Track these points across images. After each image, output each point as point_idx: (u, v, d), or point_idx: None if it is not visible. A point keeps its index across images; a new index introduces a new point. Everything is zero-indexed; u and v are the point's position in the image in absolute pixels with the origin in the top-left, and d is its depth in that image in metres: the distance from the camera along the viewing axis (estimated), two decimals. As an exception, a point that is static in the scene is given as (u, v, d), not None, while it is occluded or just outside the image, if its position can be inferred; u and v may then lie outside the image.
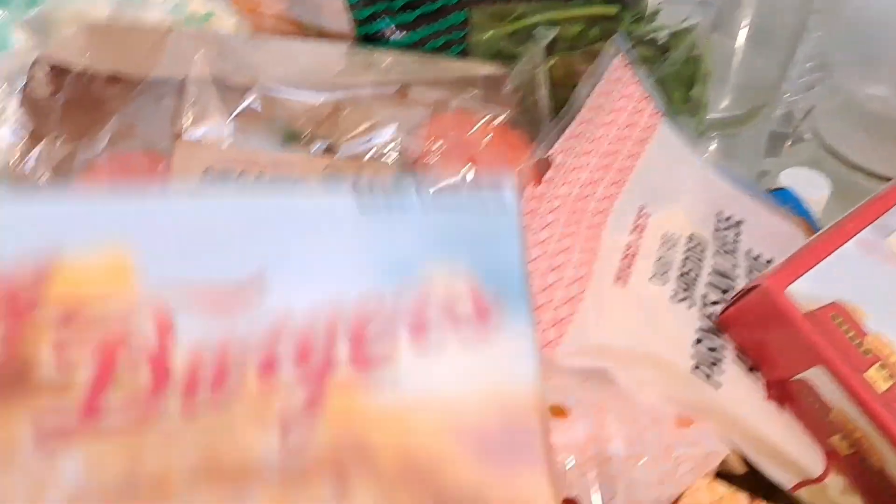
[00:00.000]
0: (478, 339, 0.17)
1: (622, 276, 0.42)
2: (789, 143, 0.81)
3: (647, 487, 0.37)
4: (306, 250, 0.17)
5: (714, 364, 0.40)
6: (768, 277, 0.39)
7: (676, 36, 0.51)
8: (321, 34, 0.48)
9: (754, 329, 0.41)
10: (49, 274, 0.16)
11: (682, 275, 0.43)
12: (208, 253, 0.17)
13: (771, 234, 0.51)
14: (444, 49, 0.48)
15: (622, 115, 0.47)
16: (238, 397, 0.16)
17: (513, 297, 0.18)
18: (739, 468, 0.39)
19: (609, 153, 0.46)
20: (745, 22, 0.69)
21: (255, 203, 0.17)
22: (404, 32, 0.47)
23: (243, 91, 0.39)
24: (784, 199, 0.57)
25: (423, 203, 0.18)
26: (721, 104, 0.71)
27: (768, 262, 0.48)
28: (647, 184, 0.47)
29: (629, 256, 0.43)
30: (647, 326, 0.40)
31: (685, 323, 0.41)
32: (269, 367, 0.16)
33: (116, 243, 0.17)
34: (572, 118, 0.45)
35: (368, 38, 0.48)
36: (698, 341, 0.40)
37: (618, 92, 0.47)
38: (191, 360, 0.16)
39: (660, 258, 0.44)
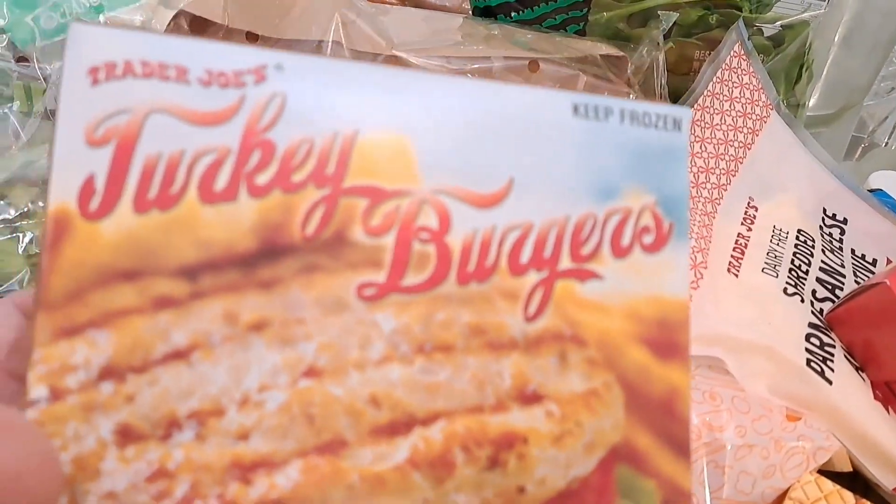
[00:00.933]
0: (653, 257, 0.21)
1: (734, 265, 0.42)
2: (864, 146, 0.80)
3: (754, 479, 0.37)
4: (541, 168, 0.20)
5: (825, 360, 0.39)
6: (890, 275, 0.39)
7: (792, 29, 0.50)
8: (436, 7, 0.48)
9: (866, 328, 0.40)
10: (351, 150, 0.19)
11: (792, 269, 0.43)
12: (468, 154, 0.20)
13: (872, 234, 0.50)
14: (561, 27, 0.47)
15: (737, 105, 0.47)
16: (495, 276, 0.20)
17: (680, 226, 0.21)
18: (844, 466, 0.39)
19: (723, 142, 0.46)
20: (842, 21, 0.68)
21: (506, 108, 0.20)
22: (524, 8, 0.47)
23: (374, 57, 0.39)
24: (879, 200, 0.57)
25: (622, 125, 0.21)
26: (810, 101, 0.70)
27: (873, 261, 0.48)
28: (756, 175, 0.47)
29: (740, 247, 0.43)
30: (761, 318, 0.40)
31: (798, 317, 0.41)
32: (516, 257, 0.20)
33: (401, 132, 0.20)
34: (692, 103, 0.44)
35: (486, 11, 0.48)
36: (810, 336, 0.40)
37: (735, 81, 0.47)
38: (462, 245, 0.20)
39: (771, 250, 0.44)
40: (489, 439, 0.19)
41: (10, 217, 0.40)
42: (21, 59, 0.45)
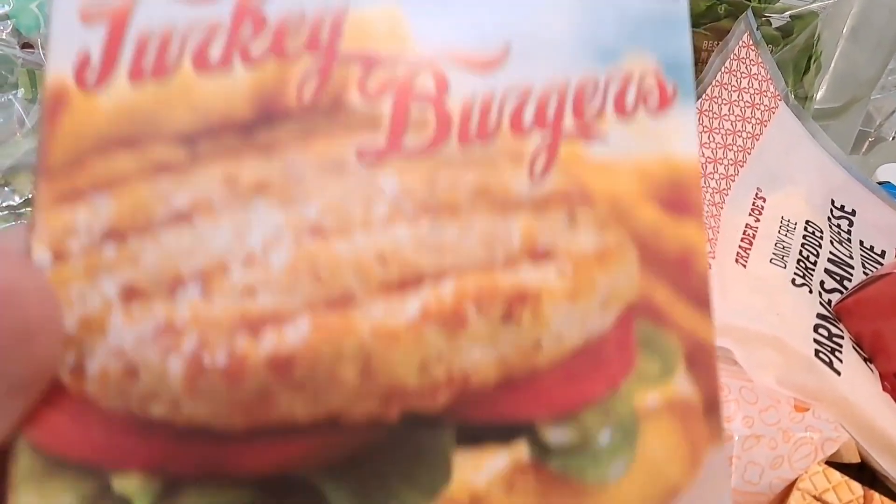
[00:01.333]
0: (659, 119, 0.21)
1: (742, 256, 0.42)
2: (870, 140, 0.80)
3: (762, 469, 0.37)
4: (538, 33, 0.20)
5: (834, 351, 0.39)
6: (900, 267, 0.39)
7: (800, 20, 0.50)
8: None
9: (875, 319, 0.40)
10: (343, 22, 0.20)
11: (800, 260, 0.43)
12: (462, 21, 0.20)
13: (881, 226, 0.50)
14: (568, 16, 0.47)
15: (746, 95, 0.46)
16: (497, 138, 0.20)
17: (685, 88, 0.21)
18: (852, 457, 0.39)
19: (731, 132, 0.45)
20: (850, 14, 0.67)
21: None
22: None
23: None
24: (887, 192, 0.57)
25: None
26: (817, 94, 0.69)
27: (881, 253, 0.48)
28: (765, 165, 0.47)
29: (748, 237, 0.43)
30: (769, 309, 0.40)
31: (806, 308, 0.41)
32: (518, 118, 0.20)
33: (393, 4, 0.20)
34: (700, 94, 0.44)
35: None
36: (818, 327, 0.40)
37: (743, 71, 0.46)
38: (462, 108, 0.20)
39: (779, 241, 0.43)
40: (501, 295, 0.19)
41: (15, 204, 0.40)
42: (26, 46, 0.45)
